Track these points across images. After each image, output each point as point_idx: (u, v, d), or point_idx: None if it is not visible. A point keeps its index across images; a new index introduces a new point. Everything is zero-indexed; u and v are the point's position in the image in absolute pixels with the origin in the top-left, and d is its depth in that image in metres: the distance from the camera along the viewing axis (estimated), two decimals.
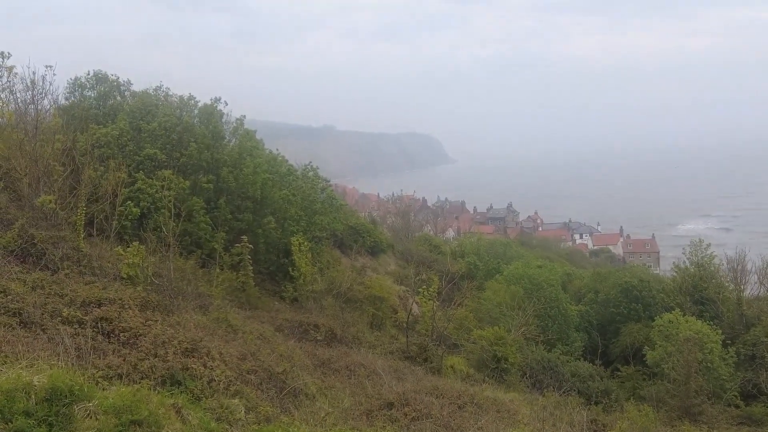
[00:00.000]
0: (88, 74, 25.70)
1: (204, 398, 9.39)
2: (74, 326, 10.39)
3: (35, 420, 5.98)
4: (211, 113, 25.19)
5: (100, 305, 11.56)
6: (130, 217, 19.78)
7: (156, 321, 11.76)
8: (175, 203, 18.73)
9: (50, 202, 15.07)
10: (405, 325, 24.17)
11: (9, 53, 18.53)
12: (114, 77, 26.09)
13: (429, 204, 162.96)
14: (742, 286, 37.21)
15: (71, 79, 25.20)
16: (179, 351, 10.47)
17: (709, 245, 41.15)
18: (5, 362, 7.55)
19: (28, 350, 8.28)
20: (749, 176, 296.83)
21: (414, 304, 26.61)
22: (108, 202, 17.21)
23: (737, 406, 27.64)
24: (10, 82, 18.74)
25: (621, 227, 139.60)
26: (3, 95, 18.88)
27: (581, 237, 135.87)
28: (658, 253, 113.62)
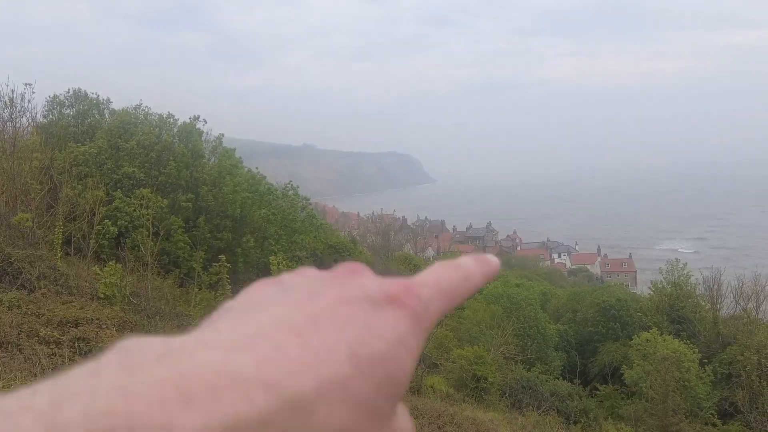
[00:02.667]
0: (67, 92, 25.61)
1: None
2: (51, 346, 10.26)
3: None
4: (190, 132, 25.14)
5: (77, 325, 11.43)
6: (107, 236, 19.61)
7: None
8: (154, 222, 18.62)
9: (27, 220, 14.93)
10: None
11: None
12: (93, 95, 26.01)
13: (409, 223, 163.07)
14: (718, 306, 37.59)
15: (50, 97, 25.10)
16: None
17: (685, 265, 41.58)
18: None
19: (5, 370, 8.19)
20: (723, 196, 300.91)
21: None
22: (86, 220, 17.10)
23: (714, 425, 27.80)
24: None
25: (599, 246, 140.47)
26: None
27: (560, 256, 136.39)
28: (636, 272, 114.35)
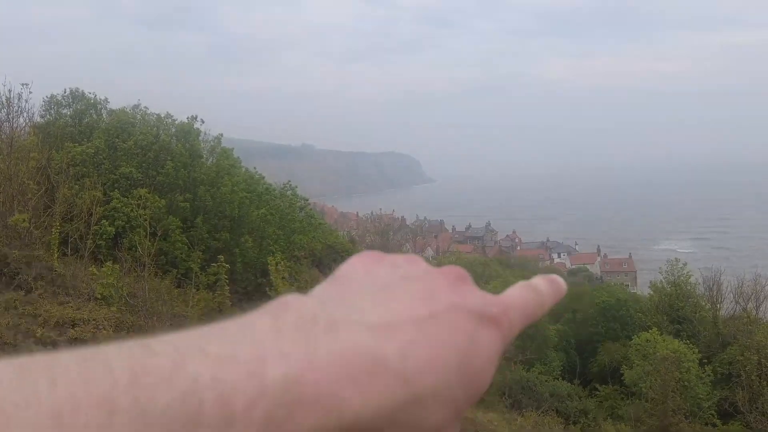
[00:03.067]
0: (65, 92, 25.49)
1: None
2: (48, 347, 10.20)
3: None
4: (188, 131, 25.04)
5: (74, 326, 11.37)
6: (104, 236, 19.51)
7: None
8: (151, 222, 18.53)
9: (24, 221, 14.85)
10: None
11: None
12: (91, 95, 25.90)
13: (408, 223, 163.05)
14: (718, 306, 37.54)
15: (47, 96, 24.98)
16: None
17: (685, 264, 41.53)
18: None
19: None
20: (723, 196, 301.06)
21: None
22: (83, 221, 17.02)
23: (714, 425, 27.73)
24: None
25: (598, 246, 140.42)
26: None
27: (559, 256, 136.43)
28: (635, 272, 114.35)
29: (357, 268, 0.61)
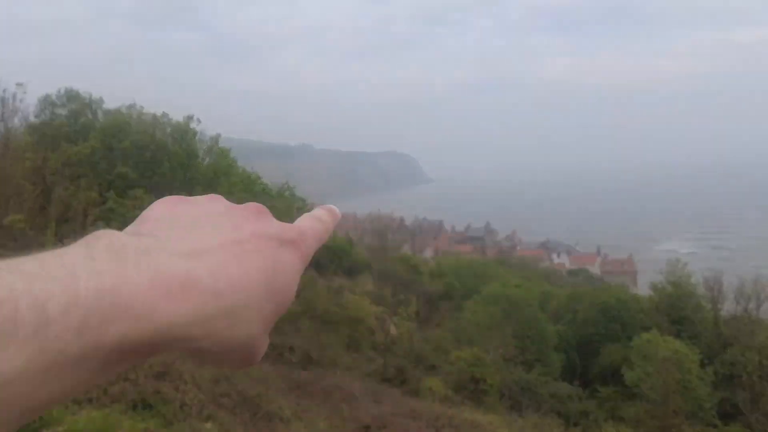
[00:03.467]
0: (60, 92, 25.34)
1: (176, 422, 9.11)
2: None
3: None
4: (185, 131, 24.91)
5: None
6: None
7: None
8: None
9: (19, 221, 14.72)
10: (383, 346, 23.89)
11: None
12: (86, 95, 25.75)
13: (407, 223, 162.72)
14: (719, 306, 37.40)
15: (42, 96, 24.83)
16: (150, 374, 10.18)
17: (686, 264, 41.39)
18: None
19: None
20: (723, 196, 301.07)
21: (392, 325, 26.35)
22: (78, 222, 16.88)
23: (715, 426, 27.58)
24: None
25: (598, 247, 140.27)
26: None
27: (559, 256, 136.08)
28: (636, 272, 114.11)
29: (162, 209, 0.67)
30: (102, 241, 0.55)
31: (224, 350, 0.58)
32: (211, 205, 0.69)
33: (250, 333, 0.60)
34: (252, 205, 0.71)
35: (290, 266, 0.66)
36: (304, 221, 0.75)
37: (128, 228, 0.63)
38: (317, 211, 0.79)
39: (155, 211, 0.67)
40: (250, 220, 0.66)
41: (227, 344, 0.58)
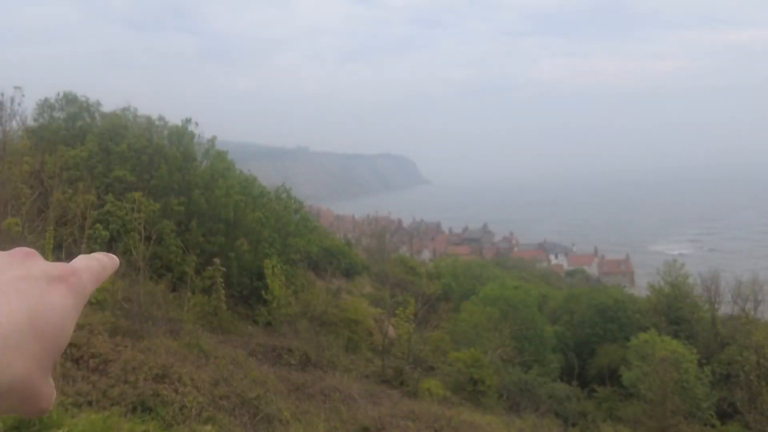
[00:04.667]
0: (58, 95, 25.34)
1: (175, 425, 9.14)
2: None
3: None
4: (182, 134, 24.91)
5: None
6: (99, 240, 19.34)
7: (126, 346, 11.47)
8: (146, 226, 18.40)
9: (17, 225, 14.71)
10: (381, 348, 23.91)
11: None
12: (83, 98, 25.74)
13: (404, 225, 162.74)
14: (716, 306, 37.48)
15: (40, 100, 24.83)
16: (150, 377, 10.22)
17: (683, 265, 41.47)
18: None
19: None
20: (719, 197, 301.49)
21: (390, 326, 26.36)
22: (77, 225, 16.88)
23: (713, 425, 27.67)
24: None
25: (596, 248, 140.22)
26: None
27: (556, 257, 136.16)
28: (633, 273, 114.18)
29: None
30: None
31: None
32: None
33: (15, 375, 0.59)
34: (19, 250, 0.71)
35: (60, 303, 0.65)
36: (79, 260, 0.75)
37: None
38: (95, 254, 0.81)
39: None
40: (13, 265, 0.66)
41: None
